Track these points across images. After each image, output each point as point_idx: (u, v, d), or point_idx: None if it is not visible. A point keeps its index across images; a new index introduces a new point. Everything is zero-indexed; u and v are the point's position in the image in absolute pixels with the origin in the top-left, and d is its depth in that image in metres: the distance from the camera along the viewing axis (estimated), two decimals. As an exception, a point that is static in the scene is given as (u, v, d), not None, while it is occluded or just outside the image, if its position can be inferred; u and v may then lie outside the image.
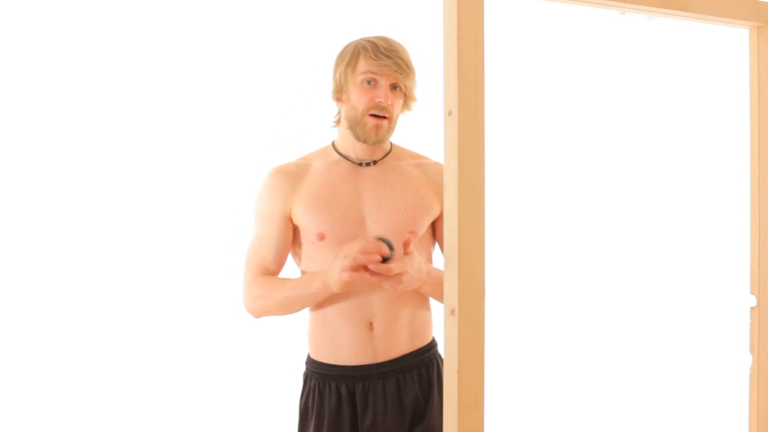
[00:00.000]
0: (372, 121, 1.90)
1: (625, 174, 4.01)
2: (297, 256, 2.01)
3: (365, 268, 1.72)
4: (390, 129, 1.94)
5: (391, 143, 2.03)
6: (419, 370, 1.92)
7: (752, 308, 1.91)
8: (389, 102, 1.89)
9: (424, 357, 1.93)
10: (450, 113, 1.39)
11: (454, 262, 1.39)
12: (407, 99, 1.93)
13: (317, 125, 3.83)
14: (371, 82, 1.90)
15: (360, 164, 1.97)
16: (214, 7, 3.71)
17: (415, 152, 2.05)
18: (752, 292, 1.90)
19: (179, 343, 3.82)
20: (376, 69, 1.88)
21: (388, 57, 1.88)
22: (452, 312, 1.40)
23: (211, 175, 3.84)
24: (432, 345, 2.00)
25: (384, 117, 1.91)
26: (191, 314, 3.84)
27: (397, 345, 1.88)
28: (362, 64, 1.90)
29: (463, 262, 1.39)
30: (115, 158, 3.73)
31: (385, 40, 1.93)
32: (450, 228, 1.40)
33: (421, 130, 4.03)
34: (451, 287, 1.40)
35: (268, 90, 3.89)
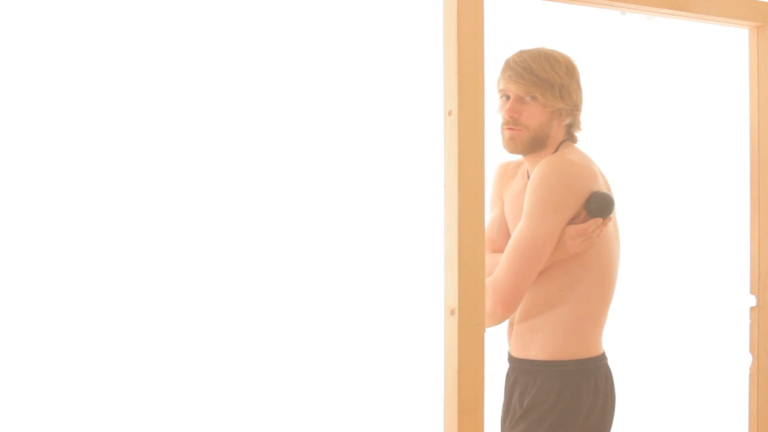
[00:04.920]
0: (507, 133, 1.97)
1: (625, 174, 4.01)
2: None
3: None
4: (528, 139, 1.94)
5: (560, 150, 1.96)
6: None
7: (752, 308, 1.91)
8: (515, 114, 1.93)
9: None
10: (450, 113, 1.39)
11: (454, 262, 1.40)
12: (550, 106, 1.90)
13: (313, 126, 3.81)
14: (507, 98, 1.97)
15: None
16: (224, 8, 3.72)
17: (560, 157, 1.93)
18: (752, 292, 1.91)
19: (179, 343, 3.82)
20: (504, 85, 1.96)
21: (512, 69, 1.94)
22: (452, 312, 1.41)
23: (210, 173, 3.84)
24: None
25: (516, 129, 1.95)
26: (191, 313, 3.85)
27: None
28: (499, 83, 2.00)
29: (463, 262, 1.39)
30: (115, 157, 3.73)
31: (521, 53, 1.97)
32: (450, 228, 1.41)
33: (421, 130, 4.03)
34: (451, 287, 1.41)
35: (266, 90, 3.89)
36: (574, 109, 1.94)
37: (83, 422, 3.57)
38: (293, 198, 4.10)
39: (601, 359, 1.92)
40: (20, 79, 3.58)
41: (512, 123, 1.93)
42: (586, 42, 3.94)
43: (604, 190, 1.85)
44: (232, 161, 3.87)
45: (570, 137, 1.98)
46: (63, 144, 3.66)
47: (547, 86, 1.91)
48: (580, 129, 2.00)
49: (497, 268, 1.81)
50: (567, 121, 1.95)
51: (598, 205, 1.81)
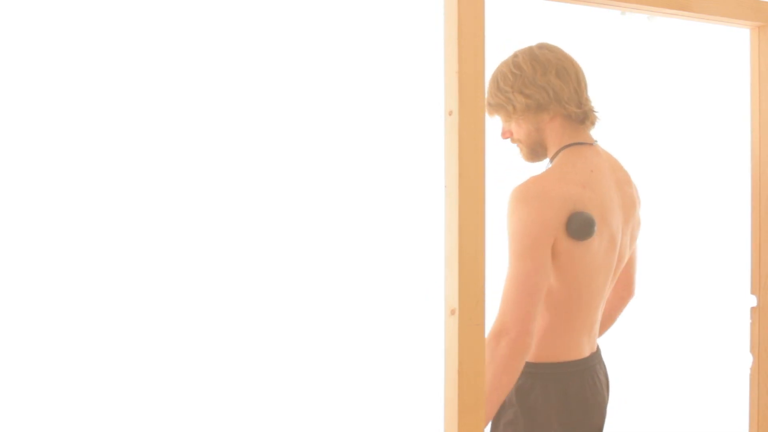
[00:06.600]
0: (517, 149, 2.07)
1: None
2: None
3: None
4: (529, 150, 2.00)
5: (555, 161, 1.95)
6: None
7: (753, 308, 1.91)
8: (506, 135, 2.01)
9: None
10: (450, 113, 1.39)
11: (454, 262, 1.39)
12: (518, 117, 1.93)
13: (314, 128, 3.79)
14: None
15: None
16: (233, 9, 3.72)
17: (529, 185, 1.90)
18: (753, 293, 1.90)
19: (182, 343, 3.82)
20: None
21: None
22: (452, 312, 1.40)
23: (212, 174, 3.83)
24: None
25: (517, 144, 2.02)
26: (193, 313, 3.84)
27: None
28: None
29: (463, 262, 1.39)
30: (116, 159, 3.73)
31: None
32: (450, 228, 1.40)
33: (421, 130, 4.02)
34: (451, 287, 1.40)
35: (267, 91, 3.89)
36: (538, 108, 1.90)
37: (83, 422, 3.57)
38: (295, 199, 4.09)
39: (574, 365, 1.92)
40: (21, 81, 3.58)
41: (512, 140, 2.01)
42: (586, 42, 3.93)
43: (582, 209, 1.82)
44: (233, 162, 3.86)
45: (582, 127, 1.93)
46: (63, 146, 3.66)
47: (500, 109, 1.95)
48: (579, 109, 1.92)
49: (499, 311, 1.78)
50: (551, 117, 1.91)
51: (578, 227, 1.80)
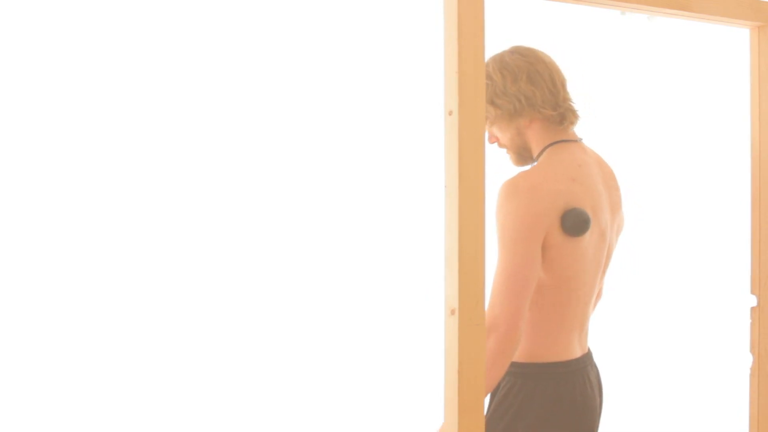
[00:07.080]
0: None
1: (625, 174, 4.01)
2: None
3: None
4: (515, 155, 1.99)
5: (539, 160, 1.94)
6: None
7: (752, 308, 1.91)
8: (492, 140, 1.99)
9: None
10: (450, 113, 1.39)
11: (454, 262, 1.39)
12: (497, 119, 1.92)
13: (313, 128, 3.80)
14: None
15: None
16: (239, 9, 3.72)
17: (517, 181, 1.88)
18: (752, 292, 1.90)
19: (185, 343, 3.82)
20: None
21: None
22: (452, 312, 1.40)
23: (212, 174, 3.83)
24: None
25: (505, 149, 2.01)
26: (195, 314, 3.84)
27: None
28: None
29: (463, 262, 1.39)
30: (116, 160, 3.73)
31: None
32: (450, 228, 1.40)
33: (421, 130, 4.03)
34: (451, 287, 1.40)
35: (267, 91, 3.89)
36: (512, 115, 1.89)
37: (83, 422, 3.57)
38: (295, 199, 4.10)
39: (564, 366, 1.90)
40: (22, 81, 3.58)
41: (499, 145, 1.99)
42: (586, 42, 3.94)
43: (574, 205, 1.81)
44: (233, 163, 3.86)
45: (562, 127, 1.91)
46: (63, 146, 3.66)
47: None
48: (555, 111, 1.89)
49: (489, 305, 1.76)
50: (529, 121, 1.90)
51: (573, 224, 1.80)
